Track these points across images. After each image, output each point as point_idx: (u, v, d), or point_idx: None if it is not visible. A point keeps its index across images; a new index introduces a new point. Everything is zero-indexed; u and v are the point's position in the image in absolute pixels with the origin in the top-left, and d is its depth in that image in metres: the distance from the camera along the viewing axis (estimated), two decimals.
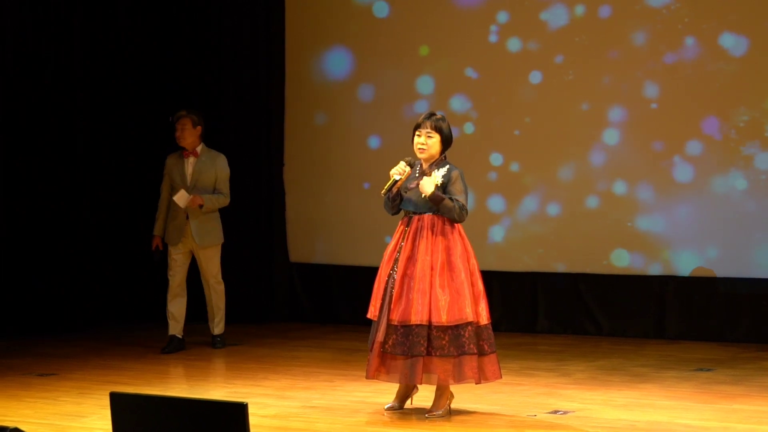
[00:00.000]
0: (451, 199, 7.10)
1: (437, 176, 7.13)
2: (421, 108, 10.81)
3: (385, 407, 7.30)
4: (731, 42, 9.95)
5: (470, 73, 10.79)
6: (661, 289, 10.27)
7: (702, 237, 10.10)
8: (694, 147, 10.10)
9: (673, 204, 10.18)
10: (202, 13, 11.60)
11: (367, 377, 7.21)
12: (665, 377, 8.55)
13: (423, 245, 7.09)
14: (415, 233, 7.14)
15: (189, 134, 9.82)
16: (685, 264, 10.16)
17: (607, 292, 10.48)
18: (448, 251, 7.12)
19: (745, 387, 8.16)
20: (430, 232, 7.11)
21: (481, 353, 7.10)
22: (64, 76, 10.86)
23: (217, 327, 10.11)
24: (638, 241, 10.29)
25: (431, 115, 7.24)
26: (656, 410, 7.43)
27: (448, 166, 7.21)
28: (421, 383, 7.15)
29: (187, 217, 9.82)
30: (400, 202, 7.28)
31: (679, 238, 10.16)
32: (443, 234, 7.13)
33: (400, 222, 7.29)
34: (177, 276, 9.94)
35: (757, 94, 9.91)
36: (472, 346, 7.04)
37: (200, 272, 10.06)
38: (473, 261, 7.19)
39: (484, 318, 7.12)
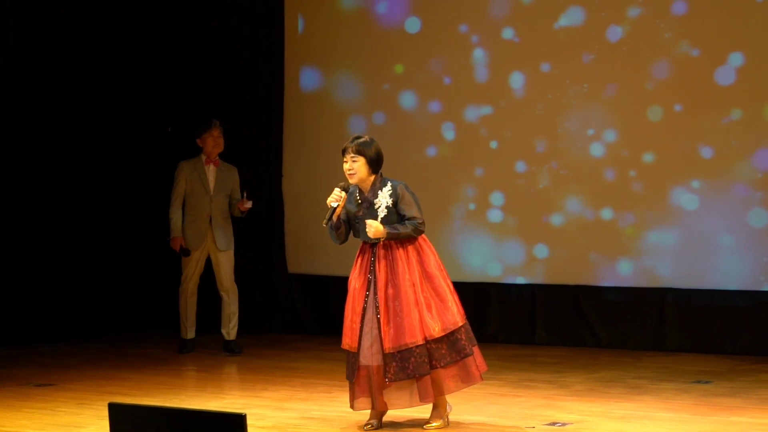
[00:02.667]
0: (403, 223, 7.11)
1: (381, 204, 7.13)
2: (420, 125, 10.85)
3: (365, 427, 7.21)
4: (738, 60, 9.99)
5: (475, 89, 10.83)
6: (660, 301, 10.28)
7: (700, 250, 10.10)
8: (691, 164, 10.12)
9: (672, 217, 10.19)
10: (204, 27, 11.66)
11: (358, 409, 7.16)
12: (663, 389, 8.54)
13: (400, 266, 7.09)
14: (386, 257, 7.12)
15: (223, 143, 10.23)
16: (683, 276, 10.17)
17: (606, 304, 10.48)
18: (422, 263, 7.15)
19: (743, 399, 8.15)
20: (401, 252, 7.12)
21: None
22: (64, 76, 10.91)
23: (233, 331, 10.36)
24: (637, 253, 10.29)
25: (354, 139, 7.24)
26: (654, 422, 7.42)
27: (389, 184, 7.21)
28: (433, 400, 7.15)
29: (211, 222, 10.13)
30: (346, 230, 7.30)
31: (678, 250, 10.17)
32: (413, 247, 7.16)
33: (359, 251, 7.27)
34: (194, 279, 10.29)
35: (750, 107, 9.93)
36: (471, 347, 7.12)
37: (217, 277, 10.34)
38: (440, 263, 7.23)
39: (463, 315, 7.17)
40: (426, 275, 7.14)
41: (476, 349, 7.21)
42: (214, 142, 10.17)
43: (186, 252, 10.14)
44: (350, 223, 7.29)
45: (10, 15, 10.53)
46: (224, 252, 10.23)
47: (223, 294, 10.33)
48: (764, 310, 9.96)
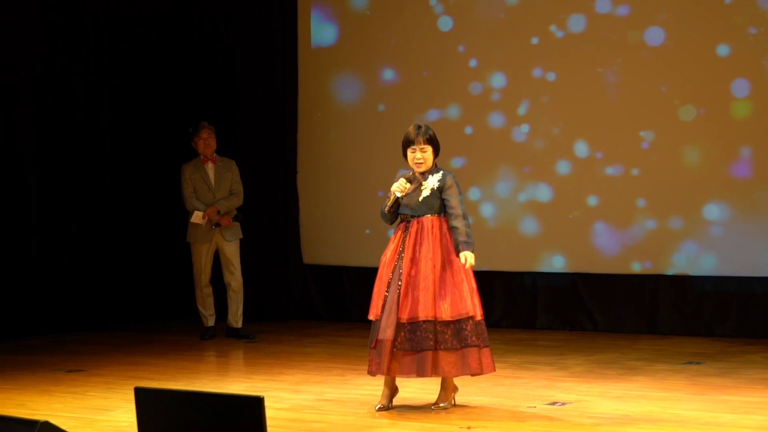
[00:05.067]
0: (462, 229, 7.06)
1: (427, 186, 7.10)
2: (434, 123, 10.83)
3: (377, 408, 7.23)
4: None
5: (472, 92, 10.83)
6: (654, 288, 10.27)
7: (692, 238, 10.09)
8: (696, 144, 10.12)
9: (665, 206, 10.18)
10: (218, 34, 11.64)
11: (372, 373, 7.15)
12: (657, 370, 8.54)
13: (426, 246, 7.09)
14: (416, 235, 7.12)
15: (214, 142, 10.28)
16: (676, 263, 10.16)
17: (604, 291, 10.47)
18: (447, 249, 7.12)
19: (732, 379, 8.15)
20: (430, 234, 7.11)
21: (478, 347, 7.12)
22: (88, 84, 10.93)
23: (240, 320, 10.42)
24: (634, 241, 10.28)
25: (419, 128, 7.18)
26: (649, 401, 7.42)
27: (441, 172, 7.20)
28: (430, 376, 7.13)
29: (217, 215, 10.20)
30: (396, 210, 7.26)
31: (671, 239, 10.16)
32: (442, 234, 7.13)
33: (396, 227, 7.27)
34: (206, 271, 10.34)
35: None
36: (474, 338, 7.06)
37: (225, 267, 10.39)
38: None
39: (479, 314, 7.14)
40: (449, 262, 7.10)
41: (486, 351, 7.13)
42: (204, 143, 10.27)
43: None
44: (397, 202, 7.25)
45: (39, 33, 10.56)
46: (231, 243, 10.31)
47: (233, 283, 10.35)
48: (752, 295, 9.96)
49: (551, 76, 10.52)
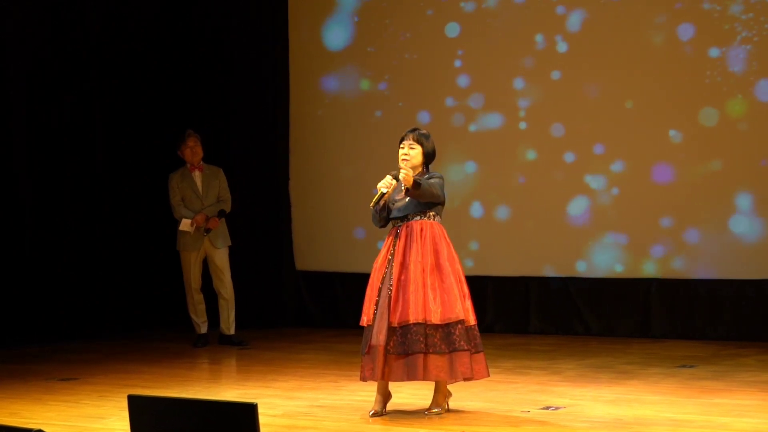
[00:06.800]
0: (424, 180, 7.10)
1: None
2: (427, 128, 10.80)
3: (370, 414, 7.24)
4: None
5: (469, 101, 10.84)
6: (646, 291, 10.29)
7: (684, 241, 10.12)
8: (686, 150, 10.14)
9: (655, 209, 10.20)
10: (215, 39, 11.68)
11: (365, 379, 7.16)
12: (650, 374, 8.55)
13: (414, 250, 7.10)
14: (406, 239, 7.14)
15: (200, 150, 10.27)
16: (668, 267, 10.18)
17: (596, 295, 10.49)
18: (436, 254, 7.14)
19: (725, 382, 8.17)
20: (419, 237, 7.13)
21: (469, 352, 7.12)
22: (88, 87, 10.98)
23: (233, 326, 10.44)
24: (625, 245, 10.30)
25: (414, 129, 7.29)
26: (642, 405, 7.43)
27: (432, 174, 7.24)
28: (421, 379, 7.14)
29: (206, 222, 10.22)
30: (387, 214, 7.29)
31: (662, 242, 10.18)
32: (432, 238, 7.15)
33: (388, 234, 7.30)
34: (195, 279, 10.35)
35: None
36: (462, 343, 7.05)
37: (214, 275, 10.39)
38: (458, 266, 7.20)
39: (471, 319, 7.14)
40: (438, 266, 7.12)
41: (479, 356, 7.14)
42: (191, 152, 10.33)
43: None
44: (388, 207, 7.28)
45: (31, 27, 10.59)
46: (220, 250, 10.32)
47: (223, 291, 10.38)
48: (744, 298, 9.98)
49: (553, 77, 10.52)
